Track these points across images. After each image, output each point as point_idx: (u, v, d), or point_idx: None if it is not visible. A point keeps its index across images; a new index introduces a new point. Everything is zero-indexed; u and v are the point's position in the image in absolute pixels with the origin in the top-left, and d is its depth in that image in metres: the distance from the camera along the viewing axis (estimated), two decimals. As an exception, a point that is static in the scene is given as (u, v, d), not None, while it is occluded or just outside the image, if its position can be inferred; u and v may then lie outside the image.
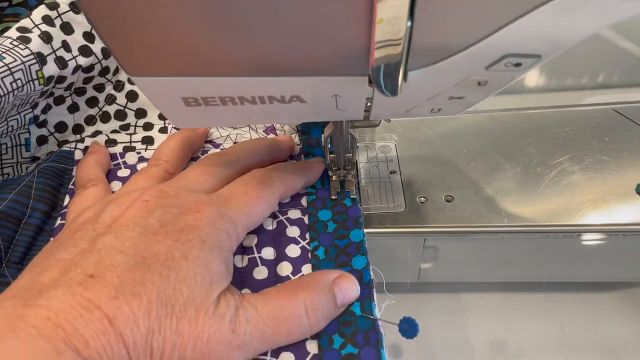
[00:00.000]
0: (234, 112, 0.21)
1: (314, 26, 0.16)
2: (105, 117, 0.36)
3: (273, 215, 0.30)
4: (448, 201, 0.32)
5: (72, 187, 0.32)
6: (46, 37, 0.30)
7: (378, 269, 0.28)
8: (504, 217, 0.31)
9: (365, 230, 0.30)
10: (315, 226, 0.30)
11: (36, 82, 0.29)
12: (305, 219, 0.30)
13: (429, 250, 0.33)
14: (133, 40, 0.17)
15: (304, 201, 0.31)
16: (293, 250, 0.28)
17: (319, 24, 0.16)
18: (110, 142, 0.35)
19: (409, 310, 0.37)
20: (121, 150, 0.35)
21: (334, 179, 0.32)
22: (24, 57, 0.29)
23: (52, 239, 0.29)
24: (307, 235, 0.29)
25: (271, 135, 0.36)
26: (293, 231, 0.29)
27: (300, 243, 0.29)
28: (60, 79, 0.32)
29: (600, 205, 0.31)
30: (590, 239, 0.31)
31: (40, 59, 0.30)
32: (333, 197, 0.31)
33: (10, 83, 0.28)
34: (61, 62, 0.31)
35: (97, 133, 0.36)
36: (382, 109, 0.23)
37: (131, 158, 0.34)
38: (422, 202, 0.32)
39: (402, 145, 0.37)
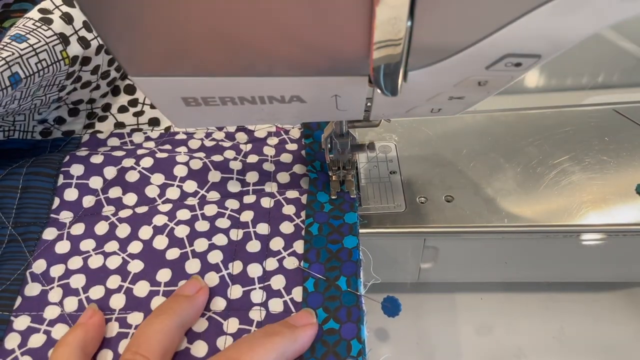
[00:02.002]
0: (234, 112, 0.21)
1: (313, 26, 0.16)
2: (116, 91, 0.38)
3: (271, 195, 0.31)
4: (448, 201, 0.32)
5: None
6: (67, 19, 0.31)
7: (378, 269, 0.28)
8: (504, 217, 0.31)
9: (366, 231, 0.30)
10: (313, 204, 0.31)
11: (61, 62, 0.30)
12: (302, 199, 0.31)
13: (429, 250, 0.33)
14: (133, 40, 0.17)
15: (303, 183, 0.33)
16: (287, 227, 0.30)
17: (319, 23, 0.16)
18: (119, 126, 0.37)
19: (409, 310, 0.37)
20: (128, 131, 0.36)
21: (334, 179, 0.32)
22: (47, 37, 0.29)
23: None
24: (302, 214, 0.30)
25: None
26: (289, 209, 0.31)
27: (294, 221, 0.30)
28: (85, 60, 0.32)
29: (600, 205, 0.31)
30: (590, 239, 0.31)
31: (64, 39, 0.30)
32: (333, 197, 0.31)
33: (36, 64, 0.28)
34: (84, 42, 0.31)
35: (107, 107, 0.37)
36: (382, 109, 0.23)
37: (137, 137, 0.36)
38: (422, 202, 0.32)
39: (402, 145, 0.37)
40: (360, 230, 0.29)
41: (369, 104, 0.23)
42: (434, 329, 0.36)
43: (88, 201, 0.31)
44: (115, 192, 0.32)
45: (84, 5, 0.16)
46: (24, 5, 0.42)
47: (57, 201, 0.31)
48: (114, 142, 0.35)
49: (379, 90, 0.18)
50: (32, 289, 0.28)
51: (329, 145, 0.30)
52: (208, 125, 0.36)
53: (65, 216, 0.31)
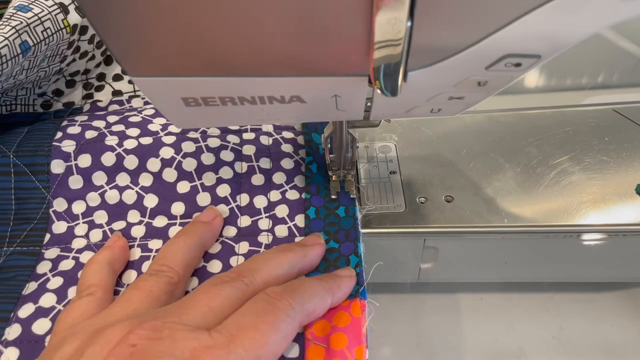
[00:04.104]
0: (234, 112, 0.21)
1: (314, 26, 0.16)
2: (108, 60, 0.39)
3: (268, 134, 0.33)
4: (448, 201, 0.32)
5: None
6: None
7: (378, 269, 0.28)
8: (504, 217, 0.31)
9: (366, 231, 0.30)
10: (310, 143, 0.33)
11: (64, 30, 0.32)
12: (298, 139, 0.33)
13: (429, 250, 0.33)
14: (133, 41, 0.17)
15: (297, 126, 0.35)
16: (287, 163, 0.32)
17: (319, 23, 0.16)
18: (117, 94, 0.38)
19: (409, 310, 0.37)
20: (127, 98, 0.38)
21: (334, 179, 0.32)
22: (49, 7, 0.31)
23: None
24: (301, 152, 0.33)
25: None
26: (287, 148, 0.33)
27: (294, 157, 0.32)
28: (83, 29, 0.34)
29: (600, 205, 0.31)
30: (590, 239, 0.31)
31: (63, 8, 0.31)
32: (333, 196, 0.31)
33: (42, 32, 0.30)
34: (81, 11, 0.32)
35: (102, 76, 0.38)
36: (382, 109, 0.23)
37: (136, 102, 0.37)
38: (422, 202, 0.32)
39: (402, 145, 0.37)
40: (361, 230, 0.30)
41: (369, 103, 0.23)
42: (434, 329, 0.36)
43: (91, 134, 0.32)
44: (118, 127, 0.33)
45: (84, 5, 0.16)
46: (8, -5, 0.43)
47: (59, 134, 0.32)
48: (114, 108, 0.37)
49: (379, 90, 0.18)
50: (59, 227, 0.30)
51: (329, 145, 0.30)
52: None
53: (68, 144, 0.31)
